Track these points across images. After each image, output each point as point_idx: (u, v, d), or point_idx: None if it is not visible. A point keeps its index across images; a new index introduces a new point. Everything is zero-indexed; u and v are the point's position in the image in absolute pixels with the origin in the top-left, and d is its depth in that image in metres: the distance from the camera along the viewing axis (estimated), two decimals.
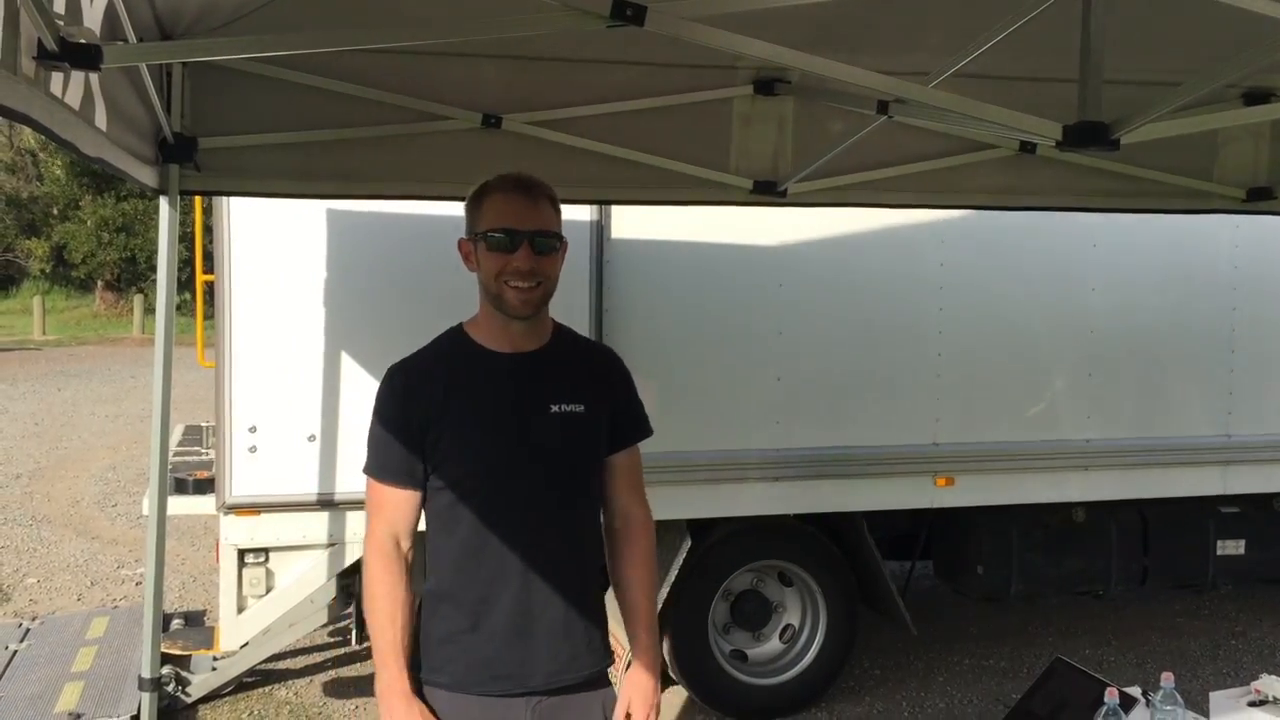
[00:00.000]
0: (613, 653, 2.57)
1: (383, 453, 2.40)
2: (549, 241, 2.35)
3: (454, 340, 2.47)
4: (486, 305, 2.41)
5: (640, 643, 2.55)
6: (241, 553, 4.69)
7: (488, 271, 2.35)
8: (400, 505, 2.39)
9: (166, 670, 4.96)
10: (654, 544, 2.62)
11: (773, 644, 5.42)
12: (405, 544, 2.39)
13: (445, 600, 2.41)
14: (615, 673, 2.71)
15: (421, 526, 2.44)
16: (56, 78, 1.68)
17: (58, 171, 27.98)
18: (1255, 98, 3.54)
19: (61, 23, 1.60)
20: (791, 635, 5.42)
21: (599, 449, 2.51)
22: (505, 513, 2.37)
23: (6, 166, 30.74)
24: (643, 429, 2.61)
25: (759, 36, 2.02)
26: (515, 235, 2.31)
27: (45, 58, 1.57)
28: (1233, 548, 5.86)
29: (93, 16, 1.89)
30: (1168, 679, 2.69)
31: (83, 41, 1.63)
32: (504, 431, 2.38)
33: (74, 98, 1.84)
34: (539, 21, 1.91)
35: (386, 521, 2.39)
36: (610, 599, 2.58)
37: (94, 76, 1.98)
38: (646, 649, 2.54)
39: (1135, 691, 2.82)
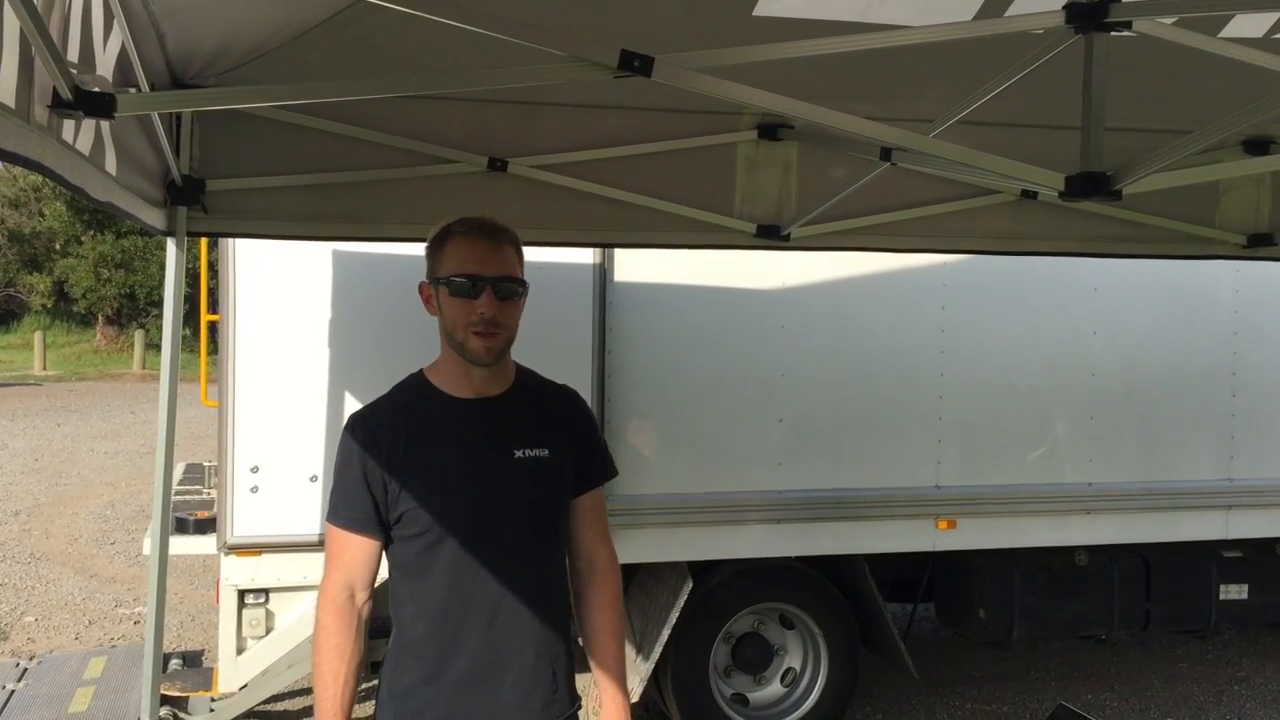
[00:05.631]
0: (579, 697, 2.53)
1: (344, 501, 2.33)
2: (512, 287, 2.31)
3: (415, 386, 2.42)
4: (448, 350, 2.37)
5: (609, 691, 2.48)
6: (242, 593, 4.67)
7: (450, 318, 2.31)
8: (360, 553, 2.31)
9: (164, 711, 4.91)
10: (620, 588, 2.56)
11: (774, 687, 5.39)
12: (361, 597, 2.31)
13: (409, 652, 2.35)
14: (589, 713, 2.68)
15: (382, 577, 2.38)
16: (68, 125, 1.68)
17: (60, 207, 28.08)
18: (1256, 146, 3.57)
19: (75, 70, 1.60)
20: (793, 678, 5.38)
21: (565, 492, 2.46)
22: (472, 560, 2.31)
23: (10, 202, 30.84)
24: (608, 469, 2.56)
25: (764, 85, 2.02)
26: (479, 281, 2.27)
27: (60, 106, 1.57)
28: (1235, 592, 5.83)
29: (105, 62, 1.90)
30: None
31: (97, 90, 1.63)
32: (469, 478, 2.33)
33: (85, 144, 1.84)
34: (548, 73, 1.92)
35: (344, 571, 2.31)
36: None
37: (105, 122, 1.98)
38: (615, 697, 2.48)
39: None
